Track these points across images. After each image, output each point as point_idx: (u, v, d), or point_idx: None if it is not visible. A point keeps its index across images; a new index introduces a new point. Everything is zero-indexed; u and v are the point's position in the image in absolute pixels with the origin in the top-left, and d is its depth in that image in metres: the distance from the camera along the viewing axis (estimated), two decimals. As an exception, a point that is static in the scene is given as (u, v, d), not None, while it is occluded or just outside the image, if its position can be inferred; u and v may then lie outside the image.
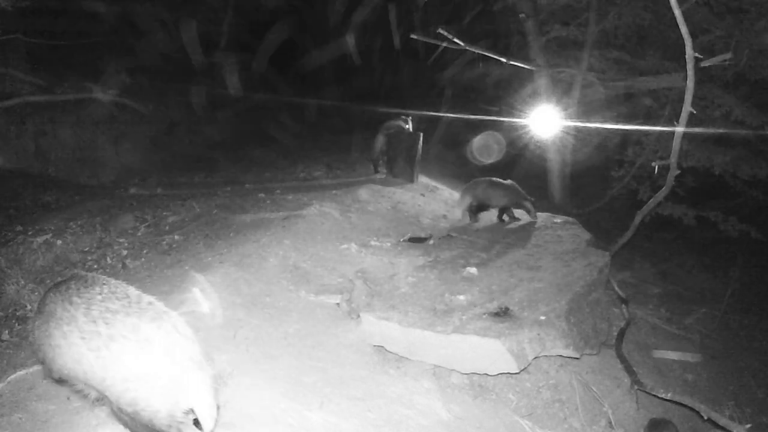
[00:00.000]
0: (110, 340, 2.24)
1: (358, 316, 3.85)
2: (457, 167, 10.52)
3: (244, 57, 12.78)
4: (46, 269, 4.97)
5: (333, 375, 3.32)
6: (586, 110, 9.05)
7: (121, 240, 5.36)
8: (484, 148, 10.74)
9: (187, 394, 2.27)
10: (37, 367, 3.26)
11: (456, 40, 7.31)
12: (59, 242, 5.28)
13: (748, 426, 3.57)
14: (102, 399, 2.52)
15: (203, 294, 3.79)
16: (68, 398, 2.89)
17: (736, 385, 5.54)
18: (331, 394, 3.12)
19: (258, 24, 13.33)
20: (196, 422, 2.33)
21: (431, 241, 5.45)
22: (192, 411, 2.30)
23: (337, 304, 4.14)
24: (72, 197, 6.88)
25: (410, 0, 12.95)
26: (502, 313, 3.71)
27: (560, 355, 3.85)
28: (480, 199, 5.98)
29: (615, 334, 4.84)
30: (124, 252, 5.10)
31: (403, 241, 5.51)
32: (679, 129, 5.15)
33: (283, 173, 8.37)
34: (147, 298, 2.46)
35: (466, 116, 10.43)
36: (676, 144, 5.36)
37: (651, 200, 6.01)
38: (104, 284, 2.46)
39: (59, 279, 2.55)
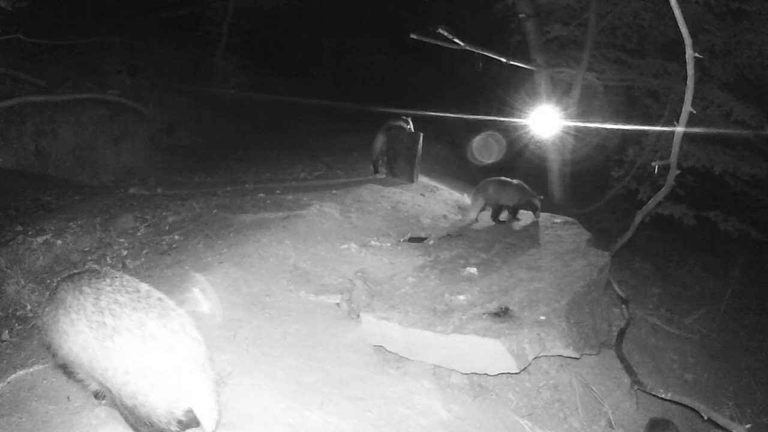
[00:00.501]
0: (115, 332, 2.26)
1: (358, 316, 3.85)
2: (457, 167, 10.53)
3: (244, 57, 12.79)
4: (46, 269, 4.97)
5: (333, 375, 3.32)
6: (586, 110, 9.06)
7: (121, 240, 5.36)
8: (484, 148, 10.75)
9: (188, 394, 2.27)
10: (37, 367, 3.26)
11: (456, 40, 7.31)
12: (59, 242, 5.28)
13: (748, 426, 3.57)
14: (102, 392, 2.53)
15: (203, 294, 3.78)
16: (68, 398, 2.89)
17: (736, 385, 5.54)
18: (331, 394, 3.12)
19: (258, 24, 13.34)
20: (197, 423, 2.34)
21: (431, 241, 5.44)
22: (191, 411, 2.30)
23: (337, 304, 4.14)
24: (72, 197, 6.88)
25: None
26: (502, 313, 3.71)
27: (560, 355, 3.85)
28: (493, 199, 5.96)
29: (615, 334, 4.84)
30: (124, 252, 5.10)
31: (403, 241, 5.51)
32: (679, 129, 5.15)
33: (283, 173, 8.36)
34: (157, 294, 2.47)
35: (466, 116, 10.43)
36: (676, 144, 5.36)
37: (651, 200, 6.01)
38: (115, 277, 2.48)
39: (73, 272, 2.59)
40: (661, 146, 8.36)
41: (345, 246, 5.09)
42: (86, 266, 4.89)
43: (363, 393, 3.22)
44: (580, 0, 8.58)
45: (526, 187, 5.94)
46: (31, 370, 3.23)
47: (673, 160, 5.50)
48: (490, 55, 7.81)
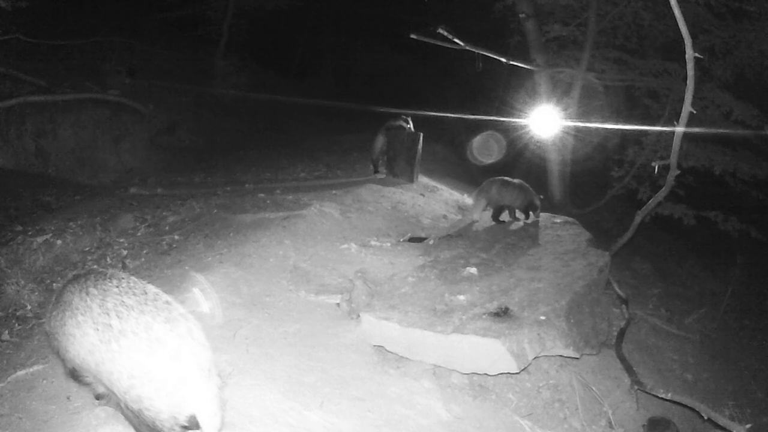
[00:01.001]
0: (121, 335, 2.24)
1: (358, 316, 3.85)
2: (457, 167, 10.52)
3: (244, 57, 12.79)
4: (46, 269, 4.97)
5: (333, 375, 3.32)
6: (586, 110, 9.05)
7: (121, 240, 5.36)
8: (484, 148, 10.75)
9: (192, 400, 2.26)
10: (37, 367, 3.26)
11: (456, 40, 7.31)
12: (59, 242, 5.28)
13: (748, 426, 3.57)
14: (107, 396, 2.52)
15: (203, 294, 3.79)
16: (68, 398, 2.89)
17: (736, 385, 5.54)
18: (331, 394, 3.12)
19: (258, 24, 13.33)
20: (198, 429, 2.32)
21: (431, 241, 5.44)
22: (194, 417, 2.28)
23: (337, 304, 4.14)
24: (72, 197, 6.89)
25: None
26: (502, 313, 3.71)
27: (560, 355, 3.85)
28: (495, 200, 5.95)
29: (615, 334, 4.84)
30: (124, 252, 5.10)
31: (403, 241, 5.50)
32: (679, 129, 5.15)
33: (283, 173, 8.37)
34: (164, 297, 2.45)
35: (466, 116, 10.44)
36: (676, 144, 5.36)
37: (651, 200, 6.01)
38: (122, 278, 2.46)
39: (79, 273, 2.57)
40: (661, 146, 8.36)
41: (345, 246, 5.09)
42: (86, 266, 4.90)
43: (363, 393, 3.22)
44: (580, 0, 8.58)
45: (528, 187, 5.94)
46: (31, 370, 3.22)
47: (673, 160, 5.49)
48: (490, 55, 7.80)
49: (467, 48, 7.54)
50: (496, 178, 6.03)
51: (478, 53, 7.63)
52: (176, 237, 5.25)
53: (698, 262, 8.62)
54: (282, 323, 3.74)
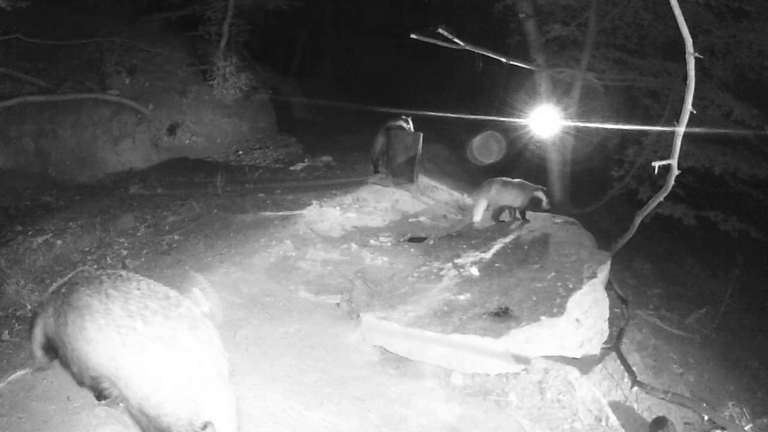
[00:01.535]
0: (146, 339, 2.21)
1: (358, 316, 3.85)
2: (457, 167, 10.52)
3: (244, 57, 12.77)
4: (46, 269, 4.97)
5: (333, 375, 3.32)
6: (586, 110, 9.05)
7: (121, 240, 5.36)
8: (484, 148, 10.75)
9: (210, 407, 2.24)
10: (37, 367, 3.25)
11: (456, 40, 7.30)
12: (59, 242, 5.28)
13: (749, 426, 3.57)
14: (116, 399, 2.49)
15: (203, 294, 3.79)
16: (68, 398, 2.89)
17: (736, 385, 5.53)
18: (331, 394, 3.12)
19: (258, 24, 13.33)
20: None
21: (431, 241, 5.44)
22: (211, 423, 2.26)
23: (337, 304, 4.14)
24: (72, 197, 6.89)
25: None
26: (502, 313, 3.71)
27: (560, 355, 3.85)
28: (495, 200, 5.94)
29: (615, 334, 4.84)
30: (124, 252, 5.10)
31: (403, 241, 5.50)
32: (679, 129, 5.14)
33: (283, 173, 8.37)
34: (186, 302, 2.42)
35: (466, 116, 10.43)
36: (676, 144, 5.35)
37: (651, 200, 5.99)
38: (141, 281, 2.42)
39: (86, 275, 2.48)
40: (661, 146, 8.35)
41: (345, 246, 5.10)
42: (86, 266, 4.89)
43: (363, 393, 3.23)
44: (580, 0, 8.58)
45: (528, 183, 5.92)
46: (31, 370, 3.22)
47: (673, 160, 5.48)
48: (490, 55, 7.80)
49: (467, 48, 7.53)
50: (496, 178, 6.03)
51: (478, 53, 7.63)
52: (176, 237, 5.26)
53: (698, 262, 8.61)
54: (282, 323, 3.75)
